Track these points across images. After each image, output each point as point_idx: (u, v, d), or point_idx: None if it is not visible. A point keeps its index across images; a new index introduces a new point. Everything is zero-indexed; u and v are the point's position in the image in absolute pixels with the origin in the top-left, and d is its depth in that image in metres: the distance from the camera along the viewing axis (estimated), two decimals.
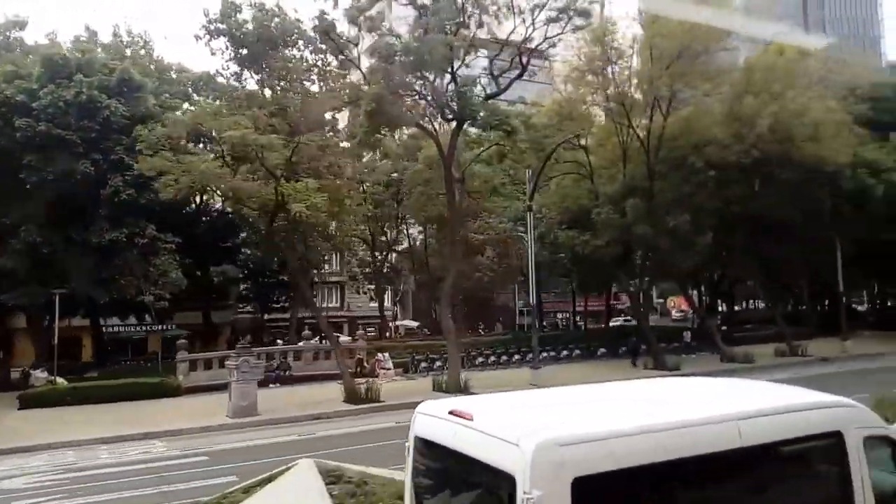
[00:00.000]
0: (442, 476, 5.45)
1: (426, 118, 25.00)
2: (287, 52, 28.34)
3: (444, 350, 37.28)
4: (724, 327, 52.30)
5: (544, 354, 35.88)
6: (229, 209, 24.48)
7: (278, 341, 46.37)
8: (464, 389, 26.07)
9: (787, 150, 28.73)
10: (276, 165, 21.62)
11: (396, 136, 36.71)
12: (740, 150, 27.77)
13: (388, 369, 31.80)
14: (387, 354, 32.55)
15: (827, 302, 63.04)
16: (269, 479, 10.66)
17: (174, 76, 41.38)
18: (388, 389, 27.85)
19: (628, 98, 29.53)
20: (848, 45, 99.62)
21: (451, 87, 24.91)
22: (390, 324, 64.93)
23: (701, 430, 4.82)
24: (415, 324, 62.84)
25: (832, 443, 5.32)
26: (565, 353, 36.18)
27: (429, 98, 23.78)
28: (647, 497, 4.65)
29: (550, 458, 4.17)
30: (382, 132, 24.70)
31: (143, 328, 49.28)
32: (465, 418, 4.92)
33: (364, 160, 45.25)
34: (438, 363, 33.47)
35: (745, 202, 31.01)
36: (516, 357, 35.74)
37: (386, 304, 67.57)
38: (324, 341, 42.43)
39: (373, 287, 53.03)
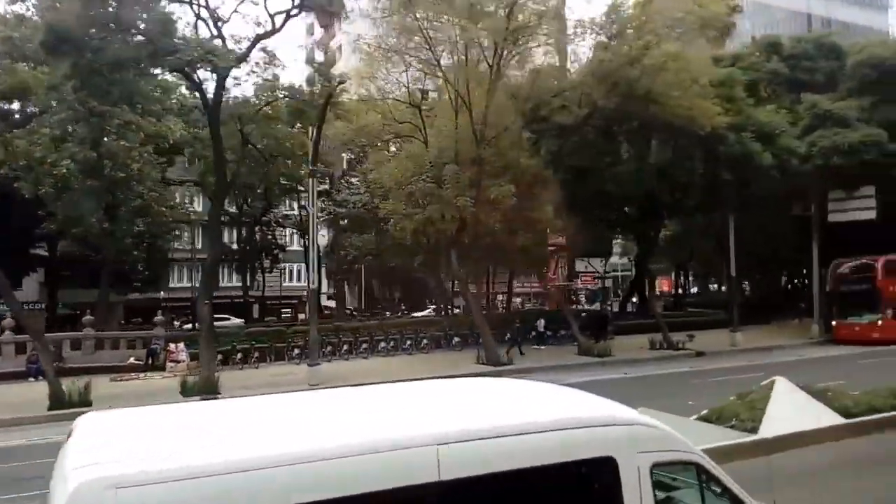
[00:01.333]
0: None
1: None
2: None
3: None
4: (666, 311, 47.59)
5: (383, 345, 31.54)
6: None
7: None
8: (213, 392, 21.91)
9: (629, 108, 23.65)
10: None
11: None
12: (559, 105, 22.66)
13: (180, 361, 27.52)
14: (181, 345, 28.14)
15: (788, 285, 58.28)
16: None
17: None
18: (134, 388, 23.80)
19: (439, 42, 24.35)
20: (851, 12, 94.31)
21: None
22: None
23: (356, 461, 3.44)
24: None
25: (599, 473, 3.95)
26: (409, 342, 31.65)
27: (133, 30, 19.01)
28: None
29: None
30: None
31: (28, 307, 46.34)
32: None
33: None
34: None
35: (594, 172, 25.98)
36: (364, 346, 31.33)
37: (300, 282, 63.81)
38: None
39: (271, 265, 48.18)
